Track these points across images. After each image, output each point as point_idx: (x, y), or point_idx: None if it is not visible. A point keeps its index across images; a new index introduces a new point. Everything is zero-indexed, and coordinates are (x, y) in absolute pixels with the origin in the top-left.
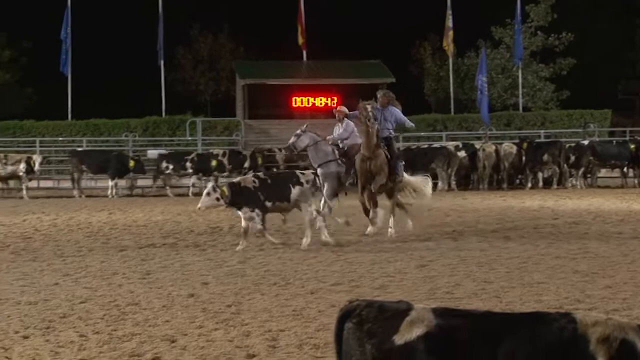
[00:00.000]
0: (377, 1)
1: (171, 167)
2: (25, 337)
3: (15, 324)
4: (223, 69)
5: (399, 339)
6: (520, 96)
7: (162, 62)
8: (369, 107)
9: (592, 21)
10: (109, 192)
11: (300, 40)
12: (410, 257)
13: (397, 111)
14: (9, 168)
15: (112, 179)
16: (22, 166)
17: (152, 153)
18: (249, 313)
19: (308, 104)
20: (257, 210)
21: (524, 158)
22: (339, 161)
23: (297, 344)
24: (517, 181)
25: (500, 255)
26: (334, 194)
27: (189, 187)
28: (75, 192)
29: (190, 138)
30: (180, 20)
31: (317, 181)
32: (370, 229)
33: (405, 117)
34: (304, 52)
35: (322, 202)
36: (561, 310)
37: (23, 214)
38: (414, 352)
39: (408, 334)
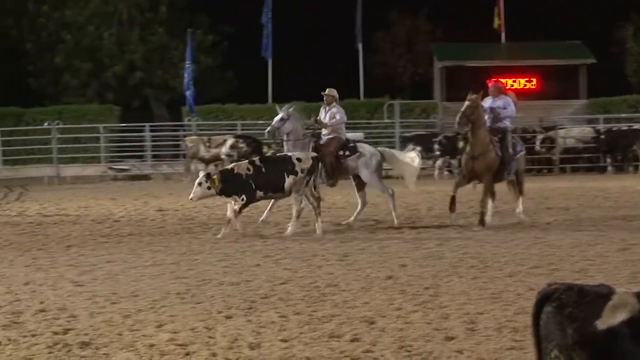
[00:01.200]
0: None
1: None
2: (228, 317)
3: (218, 304)
4: (421, 51)
5: (602, 324)
6: None
7: (360, 46)
8: (466, 103)
9: None
10: None
11: (497, 22)
12: (611, 240)
13: (510, 102)
14: (213, 151)
15: None
16: (224, 149)
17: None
18: (447, 296)
19: (506, 85)
20: (244, 196)
21: None
22: None
23: (495, 327)
24: None
25: None
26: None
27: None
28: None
29: (388, 121)
30: (378, 4)
31: (317, 166)
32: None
33: (511, 109)
34: (502, 34)
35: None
36: None
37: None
38: (618, 337)
39: (611, 319)
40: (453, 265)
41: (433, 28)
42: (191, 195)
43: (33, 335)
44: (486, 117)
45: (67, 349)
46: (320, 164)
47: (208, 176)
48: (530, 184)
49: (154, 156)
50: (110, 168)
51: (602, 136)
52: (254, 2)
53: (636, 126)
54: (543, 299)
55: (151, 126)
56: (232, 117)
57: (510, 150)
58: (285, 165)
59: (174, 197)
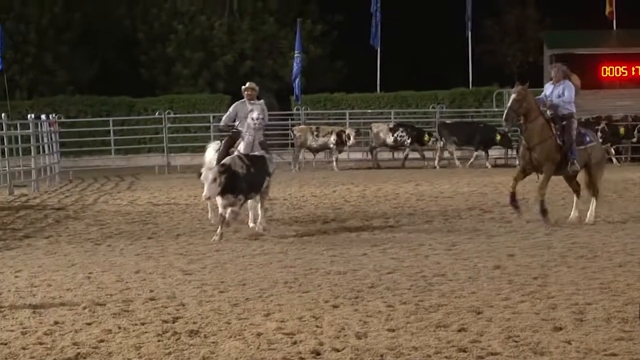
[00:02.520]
0: None
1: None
2: (335, 307)
3: (325, 293)
4: (530, 39)
5: None
6: None
7: (469, 34)
8: (512, 97)
9: None
10: (487, 162)
11: (608, 8)
12: None
13: (570, 87)
14: (320, 140)
15: (477, 150)
16: (332, 138)
17: None
18: (555, 285)
19: (617, 73)
20: (240, 196)
21: None
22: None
23: (604, 317)
24: None
25: None
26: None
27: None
28: (458, 163)
29: (496, 109)
30: None
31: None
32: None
33: (572, 93)
34: (613, 21)
35: None
36: None
37: (333, 185)
38: None
39: None
40: (562, 255)
41: (542, 16)
42: (206, 193)
43: (143, 324)
44: (544, 107)
45: (176, 337)
46: None
47: (223, 171)
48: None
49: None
50: None
51: None
52: None
53: None
54: None
55: None
56: (340, 106)
57: (574, 137)
58: (264, 166)
59: (282, 186)
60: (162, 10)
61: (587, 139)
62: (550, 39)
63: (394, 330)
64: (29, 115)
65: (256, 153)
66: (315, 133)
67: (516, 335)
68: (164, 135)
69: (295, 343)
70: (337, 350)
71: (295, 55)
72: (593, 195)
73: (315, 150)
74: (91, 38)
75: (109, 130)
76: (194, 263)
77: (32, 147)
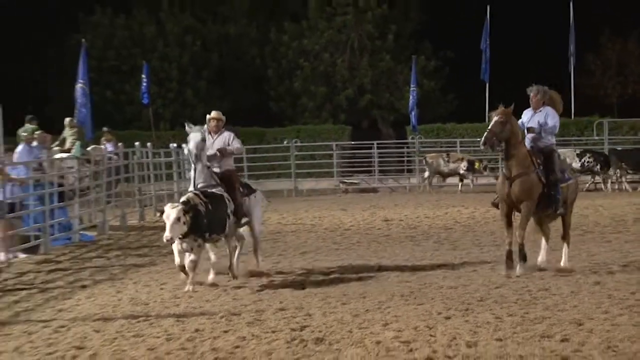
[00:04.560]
0: None
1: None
2: (447, 318)
3: (437, 306)
4: (631, 73)
5: None
6: None
7: (572, 69)
8: (494, 119)
9: None
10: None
11: None
12: None
13: (553, 115)
14: (451, 165)
15: None
16: (463, 165)
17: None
18: None
19: None
20: (200, 241)
21: None
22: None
23: None
24: None
25: None
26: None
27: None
28: (626, 186)
29: (597, 138)
30: (590, 26)
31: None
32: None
33: (555, 122)
34: None
35: None
36: None
37: (445, 207)
38: None
39: None
40: None
41: None
42: (168, 234)
43: (274, 332)
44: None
45: (303, 344)
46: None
47: (186, 210)
48: None
49: (381, 171)
50: (342, 182)
51: None
52: (474, 29)
53: None
54: None
55: (378, 144)
56: (451, 135)
57: (559, 173)
58: (224, 204)
59: (398, 208)
60: (290, 49)
61: (566, 176)
62: None
63: (501, 340)
64: (171, 145)
65: (214, 190)
66: (446, 159)
67: (615, 346)
68: (292, 162)
69: (411, 350)
70: (449, 358)
71: (411, 89)
72: (563, 239)
73: (446, 175)
74: (226, 75)
75: (242, 158)
76: (319, 277)
77: (174, 173)
